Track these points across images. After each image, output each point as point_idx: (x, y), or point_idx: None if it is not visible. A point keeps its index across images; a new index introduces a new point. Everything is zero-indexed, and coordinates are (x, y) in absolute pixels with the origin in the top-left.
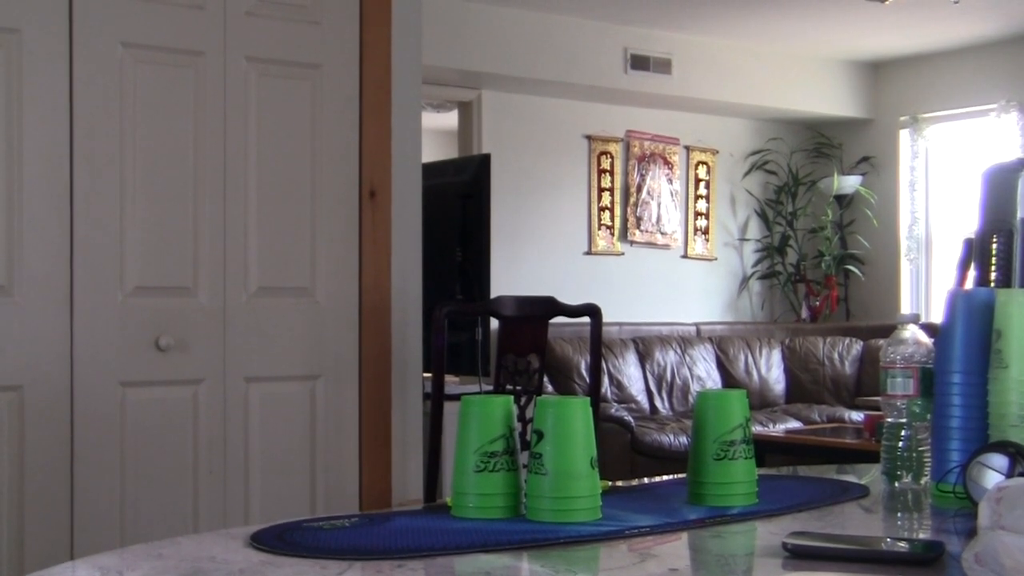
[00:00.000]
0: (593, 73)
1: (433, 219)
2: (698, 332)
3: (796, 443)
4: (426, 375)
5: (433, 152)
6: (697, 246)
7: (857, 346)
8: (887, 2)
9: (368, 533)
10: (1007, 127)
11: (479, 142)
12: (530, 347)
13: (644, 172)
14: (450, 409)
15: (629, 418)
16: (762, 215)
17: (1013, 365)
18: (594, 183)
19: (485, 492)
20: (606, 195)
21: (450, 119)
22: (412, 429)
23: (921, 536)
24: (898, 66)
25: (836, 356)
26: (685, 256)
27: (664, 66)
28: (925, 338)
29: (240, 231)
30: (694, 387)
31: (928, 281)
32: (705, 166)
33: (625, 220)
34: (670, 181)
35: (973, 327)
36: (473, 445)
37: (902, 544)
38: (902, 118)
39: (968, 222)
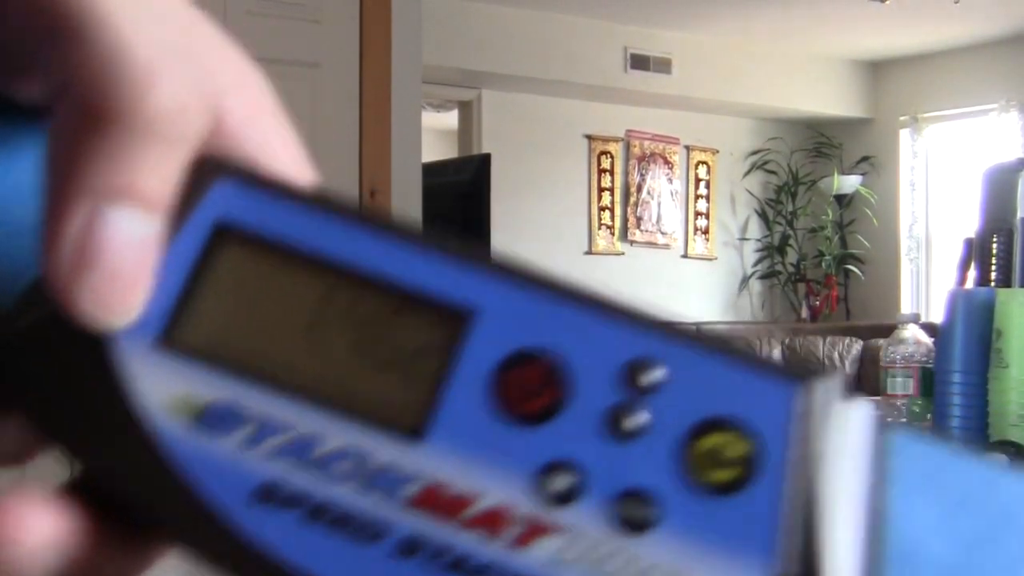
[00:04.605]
0: (593, 73)
1: (433, 219)
2: (698, 332)
3: None
4: None
5: (433, 152)
6: (697, 246)
7: (857, 346)
8: (887, 1)
9: None
10: (1007, 127)
11: (479, 142)
12: None
13: (644, 172)
14: None
15: None
16: (762, 215)
17: (1013, 365)
18: (594, 183)
19: None
20: (606, 195)
21: (450, 119)
22: None
23: None
24: (898, 66)
25: (836, 356)
26: (685, 256)
27: (664, 66)
28: (925, 338)
29: None
30: None
31: (928, 281)
32: (705, 166)
33: (625, 220)
34: (670, 181)
35: (973, 327)
36: None
37: None
38: (902, 118)
39: (968, 222)
